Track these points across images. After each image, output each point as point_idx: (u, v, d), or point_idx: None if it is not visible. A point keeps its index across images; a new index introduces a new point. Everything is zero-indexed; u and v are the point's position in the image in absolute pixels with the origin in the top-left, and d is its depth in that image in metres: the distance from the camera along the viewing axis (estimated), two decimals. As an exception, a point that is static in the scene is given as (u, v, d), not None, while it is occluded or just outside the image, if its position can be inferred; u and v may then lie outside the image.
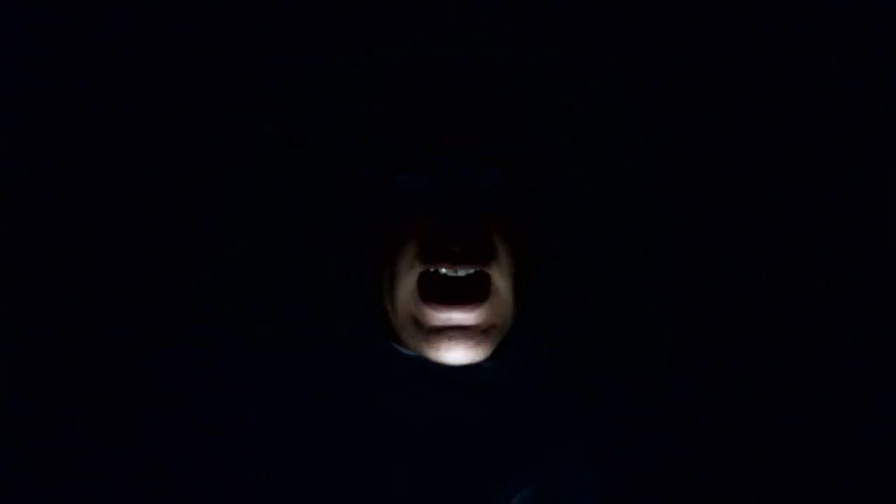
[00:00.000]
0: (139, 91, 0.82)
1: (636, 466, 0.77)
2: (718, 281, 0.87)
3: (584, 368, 0.80)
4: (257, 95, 0.83)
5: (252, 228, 0.83)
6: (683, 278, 0.87)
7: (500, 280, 0.71)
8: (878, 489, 0.84)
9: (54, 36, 0.81)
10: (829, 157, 0.86)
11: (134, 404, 0.77)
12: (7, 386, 0.80)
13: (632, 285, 0.86)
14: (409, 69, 0.73)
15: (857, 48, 0.85)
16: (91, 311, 0.82)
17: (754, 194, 0.87)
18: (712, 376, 0.85)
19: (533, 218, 0.74)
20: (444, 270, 0.71)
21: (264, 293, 0.81)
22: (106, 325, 0.82)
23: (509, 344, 0.76)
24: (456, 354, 0.71)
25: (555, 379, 0.78)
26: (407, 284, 0.71)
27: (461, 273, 0.70)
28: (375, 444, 0.71)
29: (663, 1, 0.84)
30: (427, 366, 0.74)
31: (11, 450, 0.78)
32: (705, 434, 0.82)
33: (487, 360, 0.75)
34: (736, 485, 0.82)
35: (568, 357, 0.80)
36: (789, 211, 0.87)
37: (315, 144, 0.80)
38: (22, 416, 0.79)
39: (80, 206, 0.82)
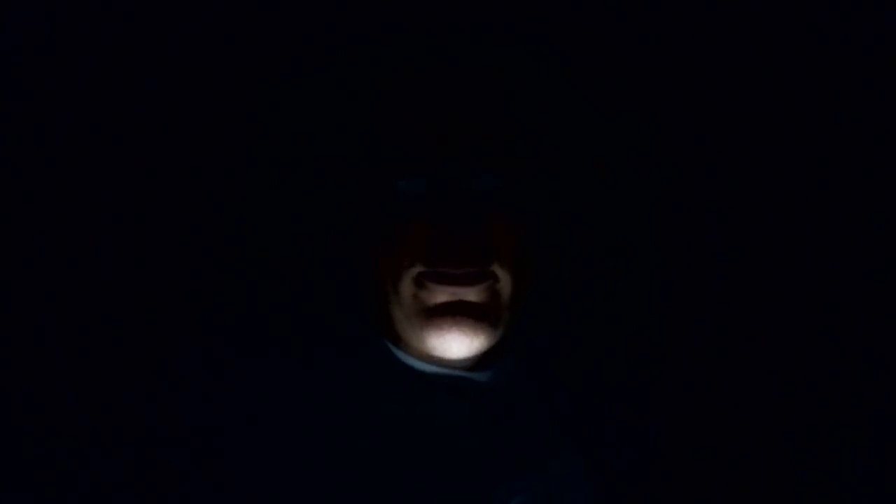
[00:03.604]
0: (139, 91, 0.82)
1: (633, 474, 0.77)
2: (719, 283, 0.87)
3: (581, 377, 0.80)
4: (258, 100, 0.83)
5: (252, 234, 0.83)
6: (682, 281, 0.87)
7: (501, 271, 0.72)
8: (877, 490, 0.84)
9: (53, 35, 0.81)
10: (830, 158, 0.86)
11: (131, 404, 0.78)
12: (7, 386, 0.80)
13: (629, 292, 0.86)
14: (407, 74, 0.73)
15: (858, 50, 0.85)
16: (90, 310, 0.82)
17: (755, 194, 0.87)
18: (711, 380, 0.85)
19: (532, 222, 0.74)
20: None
21: (264, 299, 0.81)
22: (105, 323, 0.82)
23: (506, 353, 0.77)
24: (458, 337, 0.71)
25: (551, 388, 0.78)
26: (411, 277, 0.71)
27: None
28: (372, 451, 0.72)
29: (662, 1, 0.84)
30: (425, 375, 0.75)
31: (11, 450, 0.79)
32: (704, 439, 0.83)
33: (484, 369, 0.76)
34: (735, 487, 0.82)
35: (565, 366, 0.80)
36: (790, 212, 0.87)
37: (315, 150, 0.80)
38: (21, 416, 0.80)
39: (80, 207, 0.82)
